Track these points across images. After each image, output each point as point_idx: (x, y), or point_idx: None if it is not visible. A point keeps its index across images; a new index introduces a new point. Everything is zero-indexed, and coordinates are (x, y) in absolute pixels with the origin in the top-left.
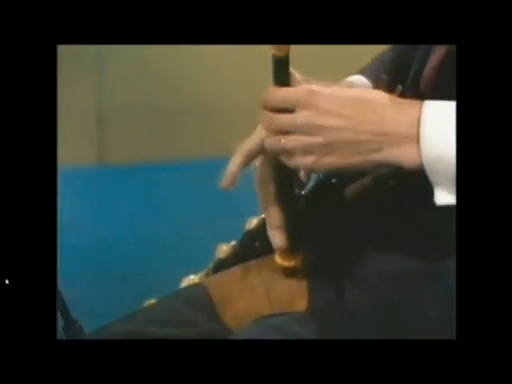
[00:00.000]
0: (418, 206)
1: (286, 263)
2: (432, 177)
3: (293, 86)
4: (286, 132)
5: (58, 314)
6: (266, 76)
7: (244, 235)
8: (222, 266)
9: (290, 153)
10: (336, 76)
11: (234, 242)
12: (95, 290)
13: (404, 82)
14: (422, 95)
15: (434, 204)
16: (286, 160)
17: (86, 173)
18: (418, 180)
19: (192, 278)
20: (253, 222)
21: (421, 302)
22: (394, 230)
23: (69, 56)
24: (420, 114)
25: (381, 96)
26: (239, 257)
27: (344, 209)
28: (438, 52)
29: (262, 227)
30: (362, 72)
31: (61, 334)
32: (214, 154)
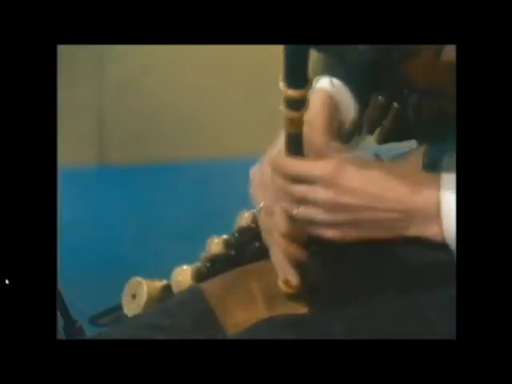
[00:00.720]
0: None
1: (290, 290)
2: (453, 246)
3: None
4: (303, 202)
5: (58, 314)
6: (266, 76)
7: (235, 230)
8: (213, 260)
9: (310, 222)
10: None
11: (225, 236)
12: (95, 290)
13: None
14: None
15: None
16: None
17: (86, 173)
18: None
19: (185, 269)
20: (244, 217)
21: (421, 306)
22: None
23: (69, 56)
24: (439, 188)
25: (404, 171)
26: (231, 253)
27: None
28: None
29: (253, 222)
30: (330, 72)
31: (61, 334)
32: (214, 154)
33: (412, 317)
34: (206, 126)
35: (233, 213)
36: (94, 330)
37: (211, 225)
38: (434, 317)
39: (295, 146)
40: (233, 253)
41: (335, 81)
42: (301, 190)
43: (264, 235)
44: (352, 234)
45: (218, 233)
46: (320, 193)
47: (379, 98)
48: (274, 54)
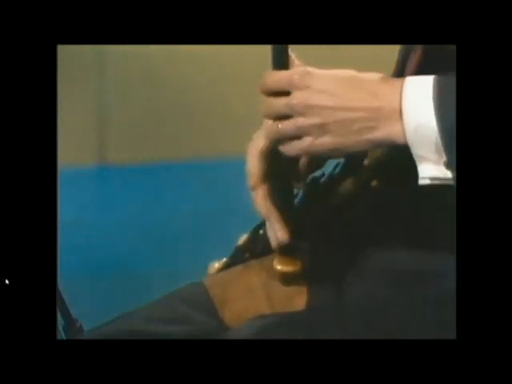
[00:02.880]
0: (417, 206)
1: (285, 268)
2: (414, 149)
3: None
4: (283, 116)
5: (59, 314)
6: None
7: (234, 250)
8: None
9: (287, 138)
10: None
11: (225, 259)
12: (95, 290)
13: None
14: None
15: (432, 204)
16: (285, 148)
17: (86, 173)
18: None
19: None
20: (243, 238)
21: (419, 303)
22: (392, 230)
23: (69, 56)
24: (402, 89)
25: (372, 75)
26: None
27: (342, 209)
28: (414, 58)
29: (251, 240)
30: None
31: (61, 334)
32: (215, 154)
33: (410, 313)
34: (207, 126)
35: (233, 213)
36: (95, 324)
37: (211, 225)
38: (431, 315)
39: (280, 55)
40: None
41: None
42: (280, 101)
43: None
44: (322, 140)
45: (218, 233)
46: (292, 98)
47: None
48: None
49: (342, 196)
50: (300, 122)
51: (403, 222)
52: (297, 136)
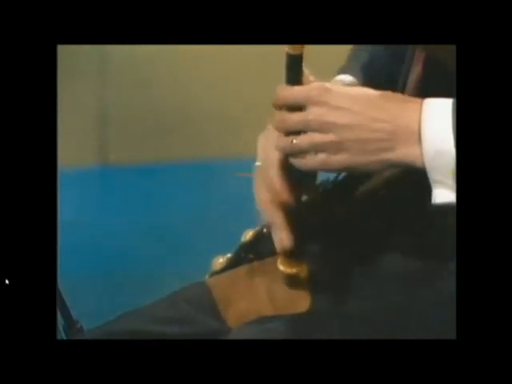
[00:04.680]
0: (418, 209)
1: (289, 270)
2: (432, 174)
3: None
4: (297, 131)
5: (59, 314)
6: (267, 77)
7: (239, 247)
8: None
9: (301, 153)
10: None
11: (229, 254)
12: (95, 290)
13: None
14: None
15: (433, 206)
16: (297, 162)
17: (86, 173)
18: (416, 184)
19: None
20: (248, 235)
21: (419, 303)
22: (394, 233)
23: (69, 56)
24: (421, 111)
25: (390, 94)
26: (234, 268)
27: (345, 212)
28: (416, 68)
29: (256, 239)
30: (345, 71)
31: (62, 335)
32: (215, 155)
33: (412, 314)
34: (207, 126)
35: (233, 213)
36: (95, 325)
37: (213, 225)
38: (432, 316)
39: (294, 70)
40: None
41: (349, 77)
42: (295, 116)
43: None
44: (337, 158)
45: (218, 234)
46: (308, 113)
47: None
48: (274, 54)
49: (345, 201)
50: (316, 138)
51: (404, 224)
52: (311, 152)
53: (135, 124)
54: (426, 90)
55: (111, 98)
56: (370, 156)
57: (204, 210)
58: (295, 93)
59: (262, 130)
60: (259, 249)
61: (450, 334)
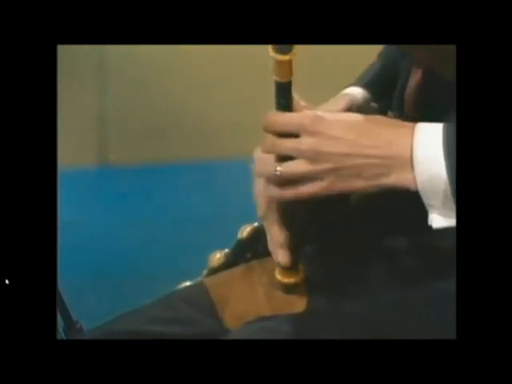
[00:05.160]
0: (416, 209)
1: (286, 280)
2: (425, 199)
3: (295, 111)
4: (288, 157)
5: (59, 315)
6: (267, 77)
7: (236, 244)
8: (214, 273)
9: (291, 179)
10: (336, 76)
11: (226, 250)
12: (95, 291)
13: (391, 106)
14: (409, 118)
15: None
16: (293, 192)
17: (86, 173)
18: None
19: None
20: (245, 231)
21: (419, 303)
22: (393, 234)
23: (69, 56)
24: (413, 136)
25: (382, 119)
26: (231, 265)
27: (343, 214)
28: (415, 76)
29: (254, 236)
30: (358, 83)
31: (61, 335)
32: (215, 155)
33: (410, 315)
34: (207, 126)
35: (233, 214)
36: (95, 325)
37: (212, 226)
38: (431, 316)
39: (284, 96)
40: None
41: (358, 89)
42: (287, 143)
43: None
44: (337, 185)
45: (218, 234)
46: (304, 142)
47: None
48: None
49: (343, 202)
50: (311, 167)
51: (403, 225)
52: (306, 179)
53: (135, 124)
54: (426, 97)
55: (111, 98)
56: (365, 181)
57: (204, 210)
58: (287, 120)
59: (261, 131)
60: (256, 246)
61: (450, 333)
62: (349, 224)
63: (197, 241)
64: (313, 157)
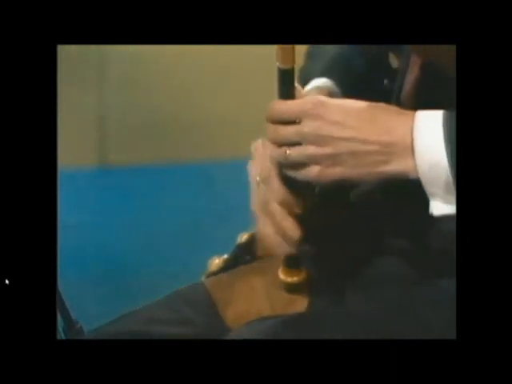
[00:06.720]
0: (417, 209)
1: (289, 279)
2: (427, 187)
3: (297, 99)
4: (291, 143)
5: (59, 315)
6: (267, 77)
7: (235, 249)
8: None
9: (295, 164)
10: None
11: (225, 256)
12: (95, 291)
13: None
14: None
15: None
16: (291, 172)
17: (85, 174)
18: (414, 185)
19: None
20: (244, 237)
21: (419, 303)
22: (393, 234)
23: (69, 56)
24: (413, 124)
25: (384, 106)
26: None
27: (344, 214)
28: (413, 71)
29: (252, 241)
30: (324, 74)
31: (61, 336)
32: (215, 155)
33: (411, 315)
34: (207, 126)
35: (233, 214)
36: (95, 326)
37: (212, 226)
38: (431, 316)
39: (286, 84)
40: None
41: (328, 81)
42: (290, 129)
43: (258, 208)
44: (332, 170)
45: (218, 234)
46: (304, 126)
47: None
48: (274, 55)
49: (344, 202)
50: (311, 150)
51: (404, 225)
52: (306, 163)
53: (135, 124)
54: (423, 92)
55: (111, 98)
56: (365, 169)
57: (204, 210)
58: (290, 107)
59: (261, 131)
60: (255, 251)
61: (450, 333)
62: (349, 224)
63: (197, 240)
64: (314, 140)
